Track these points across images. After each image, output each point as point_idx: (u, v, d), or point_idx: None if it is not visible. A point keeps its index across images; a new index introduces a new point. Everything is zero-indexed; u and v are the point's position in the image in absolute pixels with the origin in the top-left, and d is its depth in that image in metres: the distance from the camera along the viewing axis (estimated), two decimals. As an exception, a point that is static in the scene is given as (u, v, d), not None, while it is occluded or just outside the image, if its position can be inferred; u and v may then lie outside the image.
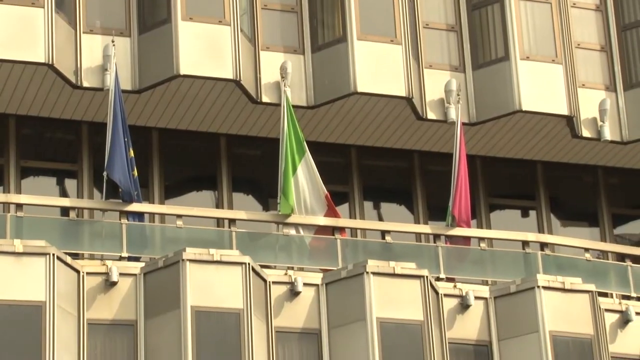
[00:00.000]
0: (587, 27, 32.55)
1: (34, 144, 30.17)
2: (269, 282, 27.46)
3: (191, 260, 26.57)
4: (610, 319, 29.05)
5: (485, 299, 28.70)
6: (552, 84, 31.22)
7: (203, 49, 29.18)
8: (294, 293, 27.67)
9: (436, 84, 30.99)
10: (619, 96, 31.95)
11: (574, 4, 32.39)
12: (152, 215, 29.46)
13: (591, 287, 29.07)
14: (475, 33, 31.79)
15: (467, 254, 30.40)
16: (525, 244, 30.96)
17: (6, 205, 28.63)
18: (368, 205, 32.01)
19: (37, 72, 28.30)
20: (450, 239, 30.07)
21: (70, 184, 30.37)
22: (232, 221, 29.48)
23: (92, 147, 29.61)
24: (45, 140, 30.32)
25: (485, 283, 29.19)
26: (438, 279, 28.68)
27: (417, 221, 31.72)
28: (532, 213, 33.00)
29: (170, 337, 26.20)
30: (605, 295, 29.38)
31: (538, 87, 31.13)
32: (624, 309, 29.28)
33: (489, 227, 31.84)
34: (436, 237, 30.18)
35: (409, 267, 28.03)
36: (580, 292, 28.90)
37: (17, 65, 28.07)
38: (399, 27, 30.60)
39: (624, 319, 29.27)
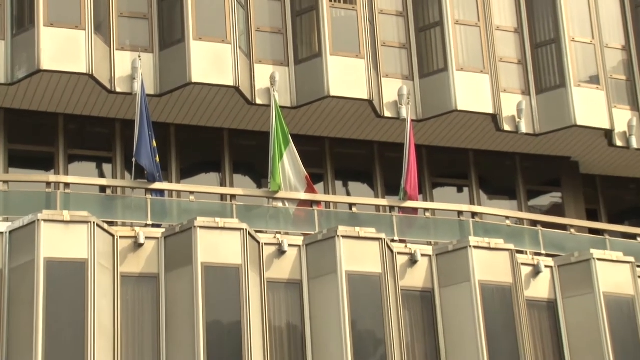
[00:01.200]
0: (507, 45, 32.57)
1: (78, 136, 30.05)
2: (262, 243, 27.49)
3: (201, 227, 26.63)
4: (525, 270, 29.19)
5: (429, 256, 28.81)
6: (481, 89, 31.32)
7: (210, 62, 29.20)
8: (281, 252, 27.65)
9: (391, 89, 31.03)
10: (532, 99, 32.05)
11: (497, 27, 32.39)
12: (170, 191, 29.47)
13: (510, 246, 29.20)
14: (422, 50, 31.78)
15: (415, 221, 30.62)
16: (460, 213, 31.27)
17: (57, 184, 28.41)
18: (338, 184, 32.10)
19: (80, 81, 28.24)
20: (402, 209, 30.27)
21: (107, 167, 30.42)
22: (232, 196, 29.70)
23: (123, 139, 29.57)
24: (87, 133, 30.24)
25: (429, 244, 29.18)
26: (393, 240, 28.68)
27: (376, 196, 31.84)
28: (465, 190, 33.12)
29: (185, 286, 26.17)
30: (521, 252, 29.39)
31: (469, 92, 31.20)
32: (535, 263, 29.45)
33: (432, 200, 31.98)
34: (391, 208, 30.38)
35: (370, 231, 28.09)
36: (502, 250, 28.99)
37: (65, 75, 28.03)
38: (363, 46, 30.58)
39: (536, 271, 29.38)
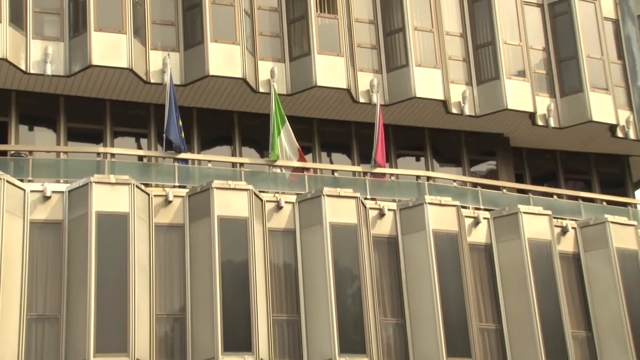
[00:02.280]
0: (454, 46, 32.43)
1: (121, 117, 30.17)
2: (264, 200, 27.68)
3: (216, 188, 26.85)
4: (468, 221, 29.21)
5: (394, 210, 28.88)
6: (434, 81, 31.28)
7: (223, 59, 29.27)
8: (279, 207, 27.77)
9: (364, 81, 31.05)
10: (474, 88, 32.01)
11: (447, 32, 32.31)
12: (192, 160, 29.39)
13: (456, 203, 29.27)
14: (388, 50, 31.67)
15: (383, 183, 30.76)
16: (417, 177, 31.30)
17: (104, 154, 28.58)
18: (324, 154, 32.09)
19: (122, 74, 28.37)
20: (373, 174, 30.46)
21: (143, 141, 30.52)
22: (241, 164, 29.93)
23: (156, 119, 29.61)
24: (127, 114, 30.19)
25: (393, 201, 29.19)
26: (365, 198, 28.75)
27: (353, 163, 31.82)
28: (422, 159, 32.95)
29: (204, 234, 26.43)
30: (465, 207, 29.51)
31: (425, 83, 31.15)
32: (476, 215, 29.59)
33: (396, 167, 31.91)
34: (364, 173, 30.52)
35: (348, 191, 28.25)
36: (450, 206, 29.05)
37: (111, 69, 28.13)
38: (342, 46, 30.64)
39: (476, 222, 29.42)
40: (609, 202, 32.72)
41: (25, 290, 25.11)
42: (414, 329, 27.80)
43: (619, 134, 33.04)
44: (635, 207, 33.34)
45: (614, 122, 32.85)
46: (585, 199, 32.61)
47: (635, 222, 31.28)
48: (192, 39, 29.71)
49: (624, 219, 31.13)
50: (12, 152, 28.28)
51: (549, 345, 28.32)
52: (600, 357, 29.18)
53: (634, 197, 34.71)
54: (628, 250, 30.31)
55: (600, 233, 30.30)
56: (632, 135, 32.71)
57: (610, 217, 30.68)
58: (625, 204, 33.18)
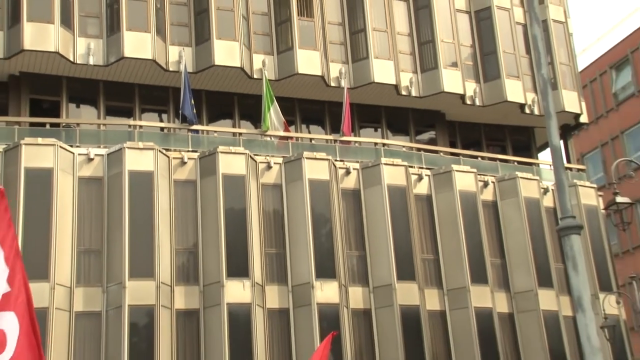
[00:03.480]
0: (404, 43, 32.15)
1: (147, 96, 30.06)
2: (258, 162, 27.96)
3: (221, 152, 27.21)
4: (414, 178, 29.26)
5: (357, 169, 29.03)
6: (388, 70, 31.06)
7: (225, 53, 29.18)
8: (269, 167, 28.03)
9: (335, 69, 30.95)
10: (419, 76, 31.87)
11: (398, 32, 32.08)
12: (202, 130, 29.61)
13: (405, 163, 29.38)
14: (353, 46, 31.48)
15: (349, 149, 30.72)
16: (375, 144, 31.41)
17: (134, 126, 28.81)
18: (303, 126, 32.01)
19: (148, 63, 28.37)
20: (341, 141, 30.51)
21: (164, 116, 30.42)
22: (240, 133, 30.03)
23: (174, 98, 29.41)
24: (152, 95, 29.98)
25: (357, 162, 29.24)
26: (336, 160, 28.88)
27: (326, 133, 31.64)
28: (379, 129, 32.76)
29: (212, 187, 26.77)
30: (411, 167, 29.51)
31: (382, 72, 31.03)
32: (419, 173, 29.56)
33: (359, 136, 31.80)
34: (335, 140, 30.59)
35: (322, 155, 28.53)
36: (400, 166, 29.18)
37: (139, 60, 28.19)
38: (318, 43, 30.65)
39: (419, 178, 29.49)
40: (519, 162, 33.26)
41: (75, 229, 25.54)
42: (372, 259, 28.15)
43: (527, 110, 33.22)
44: (538, 166, 33.68)
45: (523, 101, 33.04)
46: (501, 160, 32.88)
47: (538, 177, 31.76)
48: (201, 37, 29.64)
49: (529, 175, 31.68)
50: (63, 124, 28.58)
51: (474, 270, 28.61)
52: (510, 279, 29.55)
53: (537, 158, 35.05)
54: (532, 198, 30.82)
55: (512, 186, 30.71)
56: (536, 112, 32.89)
57: (519, 174, 31.21)
58: (530, 164, 33.62)
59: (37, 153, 25.65)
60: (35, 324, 5.17)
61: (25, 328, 5.01)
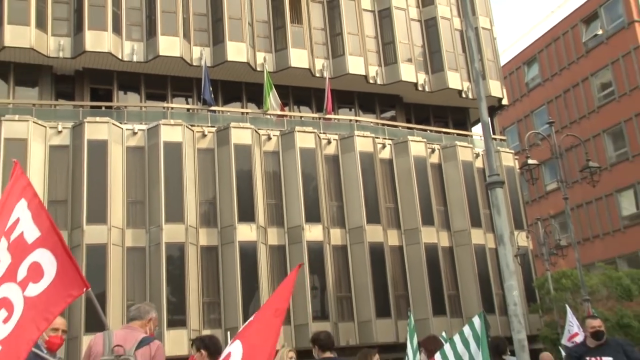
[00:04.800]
0: (371, 44, 32.03)
1: (177, 85, 29.77)
2: (261, 134, 28.03)
3: (233, 127, 27.37)
4: (379, 146, 29.44)
5: (337, 140, 29.06)
6: (360, 64, 30.92)
7: (236, 51, 29.05)
8: (269, 138, 28.16)
9: (319, 63, 30.79)
10: (382, 68, 31.87)
11: (367, 35, 31.99)
12: (219, 110, 29.45)
13: (372, 135, 29.54)
14: (333, 45, 31.39)
15: (330, 124, 30.49)
16: (350, 120, 31.51)
17: (167, 107, 29.01)
18: (295, 107, 31.89)
19: (177, 60, 28.31)
20: (324, 119, 30.28)
21: (189, 99, 30.27)
22: (247, 113, 29.92)
23: (196, 86, 29.28)
24: (180, 84, 29.71)
25: (336, 134, 29.26)
26: (320, 133, 28.97)
27: (313, 112, 31.41)
28: (353, 109, 32.66)
29: (226, 154, 26.90)
30: (377, 138, 29.62)
31: (355, 65, 30.96)
32: (383, 142, 29.69)
33: (337, 114, 31.62)
34: (319, 118, 30.44)
35: (310, 129, 28.59)
36: (369, 137, 29.39)
37: (171, 57, 28.10)
38: (306, 43, 30.54)
39: (383, 146, 29.69)
40: (458, 134, 33.33)
41: (125, 186, 25.75)
42: (348, 207, 28.42)
43: (463, 95, 33.29)
44: (472, 137, 33.84)
45: (460, 88, 33.11)
46: (444, 132, 33.01)
47: (471, 145, 32.02)
48: (217, 39, 29.46)
49: (465, 144, 31.86)
50: (114, 106, 28.52)
51: (424, 215, 28.93)
52: (451, 221, 29.89)
53: (471, 131, 35.17)
54: (467, 161, 30.97)
55: (452, 152, 30.99)
56: (470, 96, 32.79)
57: (458, 143, 31.42)
58: (466, 135, 33.76)
59: (96, 129, 25.72)
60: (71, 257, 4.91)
61: (61, 259, 4.69)
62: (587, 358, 6.50)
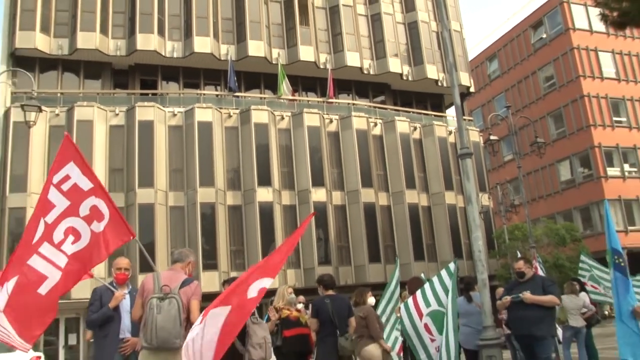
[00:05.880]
0: (365, 42, 31.76)
1: (208, 77, 29.46)
2: (275, 115, 27.81)
3: (253, 109, 27.25)
4: (372, 124, 29.29)
5: (337, 119, 28.88)
6: (356, 58, 30.57)
7: (256, 48, 28.92)
8: (282, 118, 28.18)
9: (323, 57, 30.51)
10: (374, 61, 31.54)
11: (361, 35, 31.68)
12: (241, 96, 29.23)
13: (366, 115, 29.45)
14: (335, 43, 31.07)
15: (332, 106, 30.11)
16: (348, 103, 31.05)
17: (200, 94, 28.54)
18: (304, 93, 31.43)
19: (209, 56, 28.14)
20: (327, 102, 29.95)
21: (218, 87, 29.94)
22: (265, 97, 29.59)
23: (224, 76, 28.94)
24: (211, 75, 29.42)
25: (337, 115, 29.12)
26: (324, 114, 28.73)
27: (318, 97, 31.01)
28: (350, 95, 32.19)
29: (248, 131, 26.72)
30: (370, 118, 29.47)
31: (352, 59, 30.68)
32: (375, 122, 29.44)
33: (338, 98, 31.19)
34: (323, 101, 30.10)
35: (315, 111, 28.41)
36: (363, 117, 29.25)
37: (203, 54, 27.93)
38: (312, 41, 30.29)
39: (374, 125, 29.48)
40: (435, 115, 33.06)
41: (167, 157, 25.79)
42: (346, 174, 28.35)
43: (439, 84, 32.98)
44: (446, 118, 33.64)
45: (437, 78, 32.75)
46: (424, 114, 32.73)
47: (445, 124, 31.83)
48: (240, 38, 29.24)
49: (441, 123, 31.72)
50: (159, 93, 28.32)
51: (407, 180, 28.97)
52: (429, 185, 29.77)
53: (445, 113, 34.94)
54: (442, 137, 30.87)
55: (430, 129, 30.84)
56: (445, 85, 32.65)
57: (435, 122, 31.31)
58: (441, 116, 33.48)
59: (144, 111, 25.77)
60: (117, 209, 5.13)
61: (111, 210, 4.95)
62: (513, 291, 6.64)
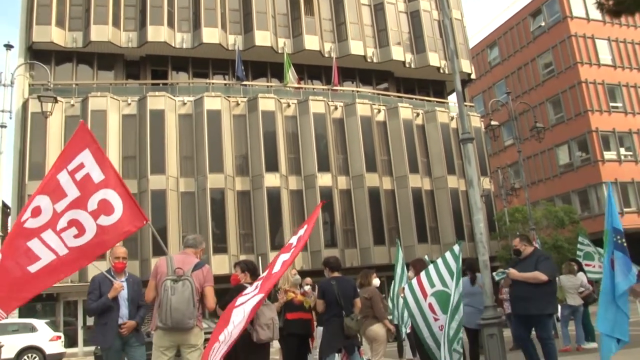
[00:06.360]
0: (368, 31, 31.60)
1: (217, 66, 29.34)
2: (282, 102, 27.75)
3: (260, 97, 27.15)
4: (375, 111, 29.16)
5: (342, 106, 28.66)
6: (359, 47, 30.43)
7: (262, 38, 28.77)
8: (289, 105, 28.08)
9: (327, 46, 30.27)
10: (377, 49, 31.31)
11: (365, 24, 31.47)
12: (249, 84, 29.07)
13: (370, 102, 29.23)
14: (339, 32, 30.84)
15: (336, 93, 29.81)
16: (352, 90, 30.73)
17: (209, 83, 28.52)
18: (309, 80, 31.10)
19: (216, 46, 27.99)
20: (332, 90, 29.71)
21: (226, 76, 29.80)
22: (271, 86, 29.46)
23: (231, 66, 28.86)
24: (219, 65, 29.28)
25: (342, 102, 28.92)
26: (329, 101, 28.61)
27: (323, 84, 30.80)
28: (355, 82, 32.05)
29: (255, 118, 26.64)
30: (374, 104, 29.31)
31: (355, 47, 30.45)
32: (378, 108, 29.28)
33: (342, 86, 30.93)
34: (328, 89, 29.85)
35: (320, 98, 28.32)
36: (367, 104, 29.05)
37: (211, 44, 27.84)
38: (317, 30, 30.09)
39: (378, 111, 29.31)
40: (437, 101, 32.87)
41: (178, 144, 25.85)
42: (351, 160, 28.24)
43: (441, 71, 32.82)
44: (448, 104, 33.48)
45: (439, 65, 32.62)
46: (426, 100, 32.53)
47: (447, 110, 31.61)
48: (247, 29, 29.10)
49: (443, 109, 31.55)
50: (169, 83, 28.21)
51: (410, 165, 28.79)
52: (431, 169, 29.64)
53: (447, 99, 34.75)
54: (444, 122, 30.70)
55: (433, 115, 30.69)
56: (446, 72, 32.54)
57: (437, 108, 31.14)
58: (443, 102, 33.34)
59: (156, 101, 25.79)
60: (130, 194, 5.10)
61: (124, 198, 4.94)
62: (510, 267, 6.60)
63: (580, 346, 10.13)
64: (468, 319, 6.64)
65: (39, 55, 25.46)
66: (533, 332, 6.51)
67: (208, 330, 5.71)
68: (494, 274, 6.56)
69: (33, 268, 4.67)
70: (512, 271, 6.37)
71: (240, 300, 4.55)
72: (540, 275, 6.18)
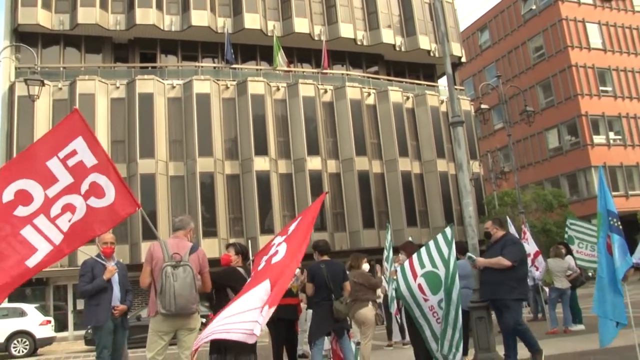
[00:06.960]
0: (358, 13, 31.41)
1: (206, 50, 29.12)
2: (271, 86, 27.63)
3: (249, 81, 26.96)
4: (365, 94, 29.08)
5: (332, 89, 28.60)
6: (349, 30, 30.38)
7: (251, 20, 28.75)
8: (278, 89, 28.02)
9: (317, 30, 30.06)
10: (367, 32, 31.27)
11: (355, 6, 31.26)
12: (238, 68, 28.91)
13: (360, 85, 29.12)
14: (329, 14, 30.62)
15: (326, 77, 29.77)
16: (342, 73, 30.64)
17: (198, 66, 28.21)
18: (299, 64, 30.93)
19: (205, 29, 27.79)
20: (321, 73, 29.60)
21: (216, 60, 29.54)
22: (261, 69, 29.35)
23: (221, 49, 28.72)
24: (208, 48, 29.17)
25: (332, 85, 28.83)
26: (319, 84, 28.52)
27: (313, 67, 30.65)
28: (344, 65, 31.93)
29: (245, 102, 26.57)
30: (364, 88, 29.23)
31: (345, 30, 30.25)
32: (368, 92, 29.28)
33: (331, 69, 30.78)
34: (318, 72, 29.74)
35: (310, 81, 28.24)
36: (357, 87, 28.98)
37: (200, 27, 27.46)
38: (307, 13, 29.83)
39: (368, 94, 29.30)
40: (427, 85, 32.82)
41: (167, 128, 25.70)
42: (340, 143, 28.22)
43: (431, 54, 32.75)
44: (438, 87, 33.47)
45: (429, 49, 32.51)
46: (417, 84, 32.43)
47: (437, 94, 31.62)
48: (237, 11, 28.79)
49: (433, 92, 31.50)
50: (158, 66, 27.95)
51: (400, 149, 28.80)
52: (421, 153, 29.70)
53: (437, 83, 34.73)
54: (434, 106, 30.70)
55: (423, 99, 30.65)
56: (437, 55, 32.41)
57: (427, 91, 31.08)
58: (433, 86, 33.30)
59: (144, 84, 25.54)
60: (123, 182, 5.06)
61: (117, 184, 4.91)
62: (485, 253, 6.65)
63: (568, 328, 10.20)
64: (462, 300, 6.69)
65: (25, 37, 25.12)
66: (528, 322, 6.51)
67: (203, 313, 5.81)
68: (467, 259, 6.60)
69: (31, 262, 4.60)
70: (479, 259, 6.43)
71: (246, 305, 4.13)
72: (503, 261, 6.19)
